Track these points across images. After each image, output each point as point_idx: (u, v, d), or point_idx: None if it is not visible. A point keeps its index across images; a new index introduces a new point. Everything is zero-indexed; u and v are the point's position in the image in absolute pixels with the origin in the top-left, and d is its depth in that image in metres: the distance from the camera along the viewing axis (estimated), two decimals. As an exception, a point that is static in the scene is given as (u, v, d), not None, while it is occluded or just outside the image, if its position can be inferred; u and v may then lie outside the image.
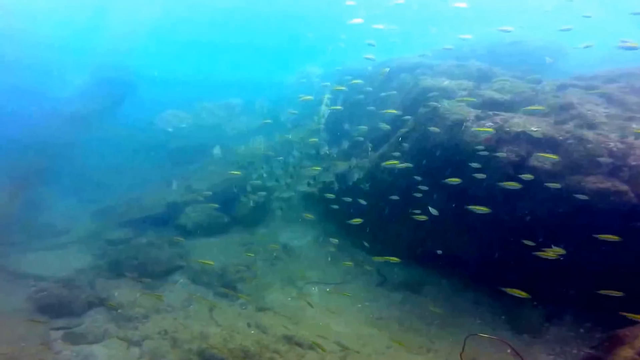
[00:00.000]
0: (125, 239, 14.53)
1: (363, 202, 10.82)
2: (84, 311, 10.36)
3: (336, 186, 14.66)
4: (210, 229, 14.97)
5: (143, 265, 12.66)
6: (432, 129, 9.77)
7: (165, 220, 15.48)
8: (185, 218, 14.89)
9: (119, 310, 10.23)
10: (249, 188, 16.63)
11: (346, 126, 17.18)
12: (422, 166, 10.35)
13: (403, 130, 11.33)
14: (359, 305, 10.40)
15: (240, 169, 17.19)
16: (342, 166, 14.77)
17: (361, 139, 15.92)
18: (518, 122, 8.79)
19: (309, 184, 16.31)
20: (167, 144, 24.11)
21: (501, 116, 9.19)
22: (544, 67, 22.05)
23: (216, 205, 13.90)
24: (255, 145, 19.12)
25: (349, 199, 11.20)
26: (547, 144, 8.15)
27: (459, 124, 9.51)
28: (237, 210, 16.07)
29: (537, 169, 7.92)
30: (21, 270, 12.38)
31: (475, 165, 8.46)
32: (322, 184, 15.29)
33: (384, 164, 11.42)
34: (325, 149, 16.48)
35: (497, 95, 10.47)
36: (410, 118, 11.14)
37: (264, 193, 16.01)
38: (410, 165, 9.87)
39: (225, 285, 11.72)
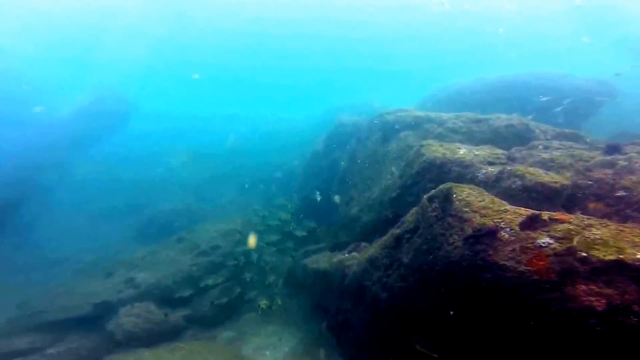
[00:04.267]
0: (28, 350, 10.86)
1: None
2: None
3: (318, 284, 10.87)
4: (150, 337, 11.02)
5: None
6: (443, 235, 5.81)
7: (94, 322, 11.74)
8: (115, 324, 11.06)
9: None
10: (209, 282, 12.80)
11: (336, 198, 13.31)
12: (429, 290, 6.32)
13: (397, 231, 7.38)
14: None
15: (201, 256, 13.44)
16: (323, 261, 10.79)
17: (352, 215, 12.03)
18: (603, 237, 4.71)
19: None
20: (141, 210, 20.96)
21: (565, 224, 5.11)
22: (588, 113, 18.25)
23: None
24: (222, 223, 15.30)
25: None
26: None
27: (488, 234, 5.47)
28: (194, 308, 12.23)
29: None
30: None
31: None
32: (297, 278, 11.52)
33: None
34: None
35: (547, 178, 6.39)
36: (413, 212, 7.21)
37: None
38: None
39: None
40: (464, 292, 5.73)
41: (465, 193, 6.35)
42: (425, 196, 6.86)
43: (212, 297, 12.05)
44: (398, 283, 6.99)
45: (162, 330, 10.84)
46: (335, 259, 10.06)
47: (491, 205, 5.93)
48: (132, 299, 11.69)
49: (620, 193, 6.05)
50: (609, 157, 6.85)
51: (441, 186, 6.52)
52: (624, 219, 5.84)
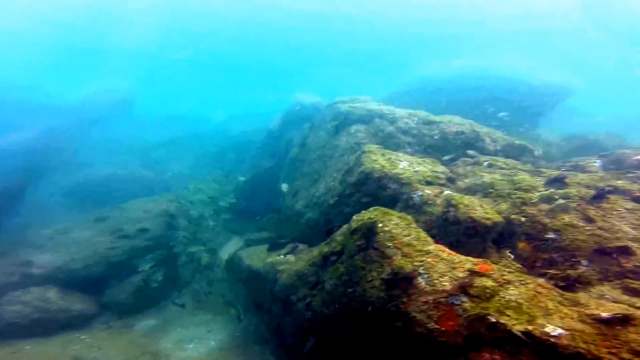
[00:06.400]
0: None
1: None
2: None
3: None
4: (44, 327, 9.94)
5: None
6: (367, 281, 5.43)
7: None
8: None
9: None
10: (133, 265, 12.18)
11: (284, 187, 12.77)
12: (347, 324, 6.03)
13: (326, 249, 6.96)
14: None
15: (122, 239, 12.52)
16: (258, 259, 10.38)
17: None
18: (518, 299, 4.45)
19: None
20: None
21: (484, 277, 4.80)
22: (542, 112, 18.25)
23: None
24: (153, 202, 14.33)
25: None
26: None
27: (405, 279, 5.12)
28: (112, 294, 11.45)
29: None
30: None
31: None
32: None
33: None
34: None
35: (479, 213, 6.01)
36: (343, 230, 6.77)
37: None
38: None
39: None
40: (379, 335, 5.43)
41: (392, 223, 5.93)
42: (353, 221, 6.42)
43: (136, 281, 11.32)
44: (320, 308, 6.66)
45: (61, 319, 9.84)
46: (269, 260, 9.65)
47: (415, 243, 5.55)
48: (26, 283, 10.45)
49: (551, 235, 5.79)
50: (548, 191, 6.54)
51: (367, 216, 6.12)
52: (550, 265, 5.61)
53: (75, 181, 18.08)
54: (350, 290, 5.91)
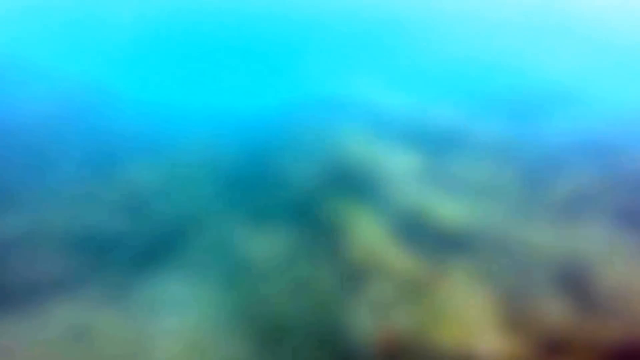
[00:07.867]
0: None
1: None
2: None
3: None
4: (37, 288, 9.77)
5: None
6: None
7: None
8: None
9: None
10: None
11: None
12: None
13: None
14: None
15: (121, 207, 12.31)
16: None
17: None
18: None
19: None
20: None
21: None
22: (540, 106, 17.28)
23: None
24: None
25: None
26: None
27: (357, 282, 4.82)
28: (108, 260, 11.31)
29: None
30: None
31: None
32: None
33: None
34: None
35: (448, 215, 5.58)
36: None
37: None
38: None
39: None
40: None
41: (357, 221, 5.57)
42: (320, 215, 6.09)
43: (140, 242, 11.27)
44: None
45: (53, 281, 9.89)
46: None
47: (376, 245, 5.19)
48: (19, 243, 10.40)
49: (517, 244, 5.37)
50: (526, 195, 6.07)
51: (334, 211, 5.74)
52: (509, 275, 5.22)
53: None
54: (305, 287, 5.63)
